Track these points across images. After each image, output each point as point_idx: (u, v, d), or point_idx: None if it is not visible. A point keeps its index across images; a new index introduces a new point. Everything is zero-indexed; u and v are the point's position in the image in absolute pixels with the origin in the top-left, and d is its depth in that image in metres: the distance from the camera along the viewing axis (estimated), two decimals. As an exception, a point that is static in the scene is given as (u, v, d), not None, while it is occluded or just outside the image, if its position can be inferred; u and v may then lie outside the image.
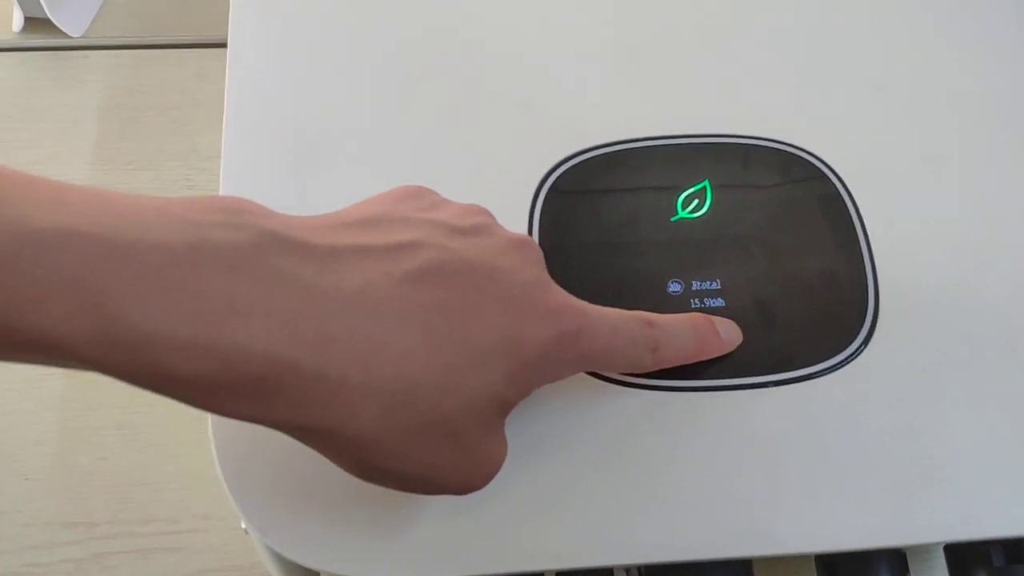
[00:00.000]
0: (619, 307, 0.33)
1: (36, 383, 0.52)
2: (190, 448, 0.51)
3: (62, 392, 0.52)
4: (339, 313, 0.24)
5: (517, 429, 0.33)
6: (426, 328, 0.25)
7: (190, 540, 0.49)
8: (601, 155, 0.39)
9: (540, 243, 0.37)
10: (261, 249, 0.24)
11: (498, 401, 0.27)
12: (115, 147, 0.62)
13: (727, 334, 0.35)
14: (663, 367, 0.33)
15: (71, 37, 0.64)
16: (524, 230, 0.37)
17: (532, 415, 0.33)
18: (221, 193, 0.38)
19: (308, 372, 0.24)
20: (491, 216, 0.32)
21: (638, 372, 0.33)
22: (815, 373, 0.35)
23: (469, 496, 0.30)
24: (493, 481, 0.30)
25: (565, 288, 0.35)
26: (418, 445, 0.26)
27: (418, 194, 0.31)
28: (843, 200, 0.39)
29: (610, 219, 0.38)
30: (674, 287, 0.37)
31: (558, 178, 0.38)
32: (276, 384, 0.23)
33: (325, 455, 0.26)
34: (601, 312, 0.30)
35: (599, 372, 0.34)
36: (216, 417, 0.32)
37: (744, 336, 0.35)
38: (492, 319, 0.27)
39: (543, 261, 0.31)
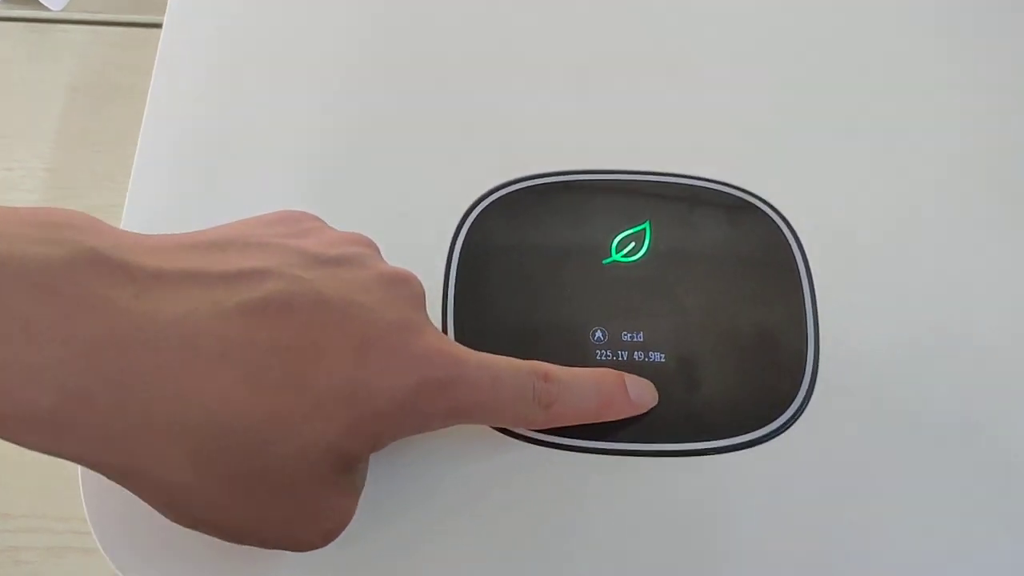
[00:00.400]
0: (535, 353, 0.31)
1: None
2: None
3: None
4: (150, 344, 0.22)
5: (393, 474, 0.31)
6: (253, 367, 0.23)
7: (105, 543, 0.47)
8: (534, 186, 0.36)
9: (458, 280, 0.35)
10: (73, 268, 0.22)
11: (336, 453, 0.24)
12: (82, 127, 0.60)
13: (639, 395, 0.32)
14: (558, 425, 0.30)
15: (50, 10, 0.63)
16: (442, 264, 0.35)
17: (413, 463, 0.31)
18: (127, 203, 0.36)
19: (104, 407, 0.21)
20: (372, 247, 0.29)
21: (530, 427, 0.31)
22: (735, 446, 0.32)
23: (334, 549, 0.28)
24: (361, 529, 0.28)
25: (479, 330, 0.33)
26: (238, 496, 0.23)
27: (294, 219, 0.28)
28: (793, 256, 0.36)
29: (537, 258, 0.35)
30: (598, 335, 0.34)
31: (484, 209, 0.36)
32: (69, 417, 0.21)
33: (139, 497, 0.24)
34: (483, 361, 0.28)
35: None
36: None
37: (663, 396, 0.33)
38: (337, 362, 0.24)
39: (421, 301, 0.28)
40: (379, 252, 0.29)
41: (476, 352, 0.28)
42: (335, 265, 0.26)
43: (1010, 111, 0.39)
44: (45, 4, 0.62)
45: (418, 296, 0.28)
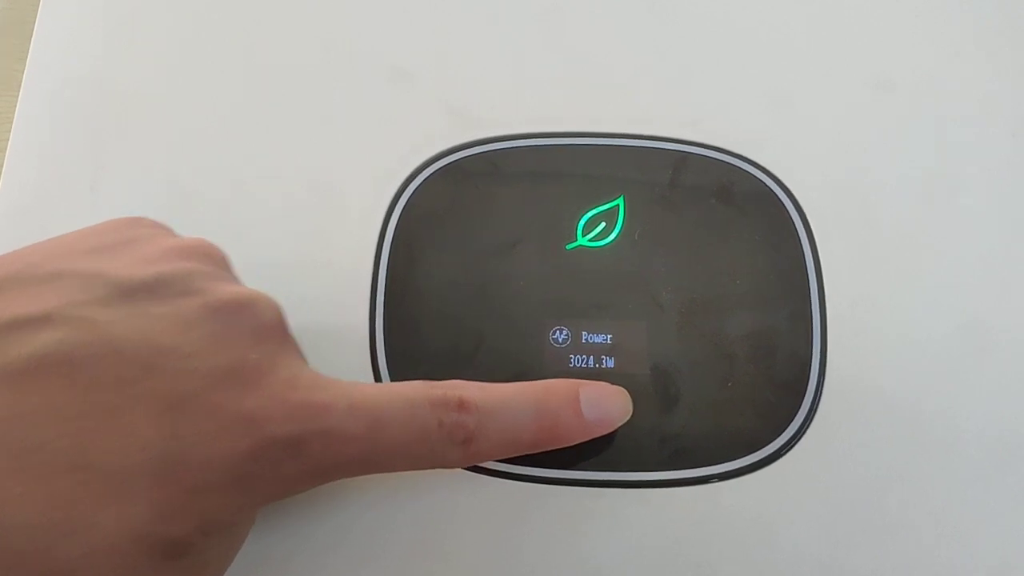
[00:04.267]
0: (480, 359, 0.27)
1: None
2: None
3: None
4: None
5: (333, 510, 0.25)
6: (25, 448, 0.18)
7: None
8: (484, 153, 0.30)
9: (390, 268, 0.29)
10: None
11: (150, 542, 0.19)
12: (12, 69, 0.54)
13: (599, 413, 0.26)
14: (484, 461, 0.25)
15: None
16: (371, 248, 0.29)
17: (353, 499, 0.26)
18: (6, 163, 0.30)
19: None
20: (209, 259, 0.23)
21: (447, 467, 0.24)
22: (721, 475, 0.27)
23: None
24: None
25: (412, 331, 0.27)
26: None
27: (117, 228, 0.23)
28: (798, 239, 0.29)
29: (486, 241, 0.29)
30: (558, 335, 0.28)
31: (424, 181, 0.30)
32: None
33: None
34: (360, 403, 0.22)
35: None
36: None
37: (633, 417, 0.27)
38: (137, 431, 0.19)
39: (271, 330, 0.22)
40: (222, 265, 0.23)
41: (355, 387, 0.22)
42: (145, 295, 0.20)
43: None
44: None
45: (265, 326, 0.22)
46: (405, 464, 0.23)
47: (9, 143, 0.32)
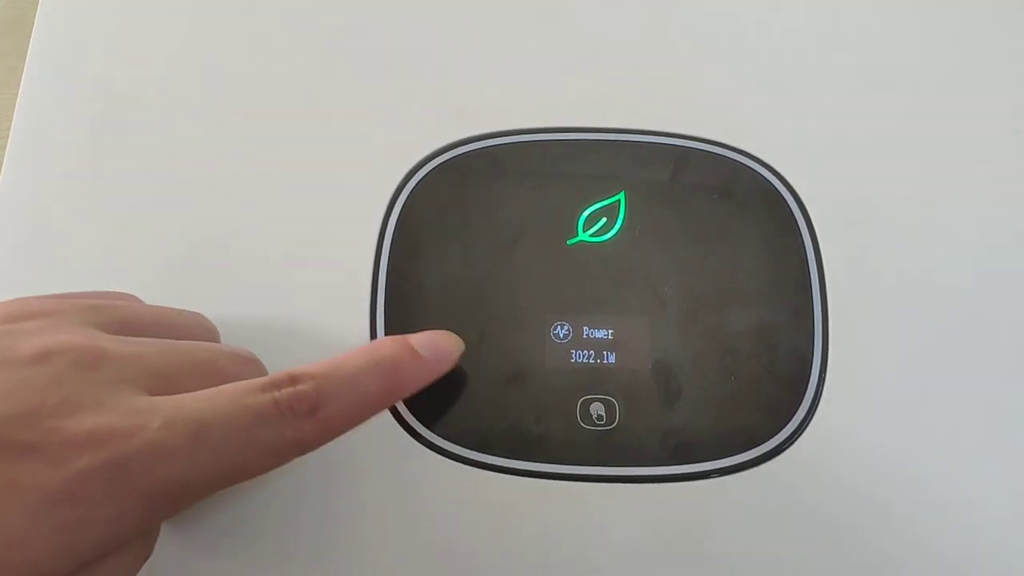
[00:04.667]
0: (483, 353, 0.27)
1: None
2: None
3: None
4: None
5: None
6: None
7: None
8: (485, 148, 0.30)
9: (391, 263, 0.29)
10: None
11: None
12: (11, 66, 0.53)
13: (433, 350, 0.26)
14: (343, 429, 0.23)
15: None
16: (372, 244, 0.29)
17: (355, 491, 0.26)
18: (7, 154, 0.30)
19: None
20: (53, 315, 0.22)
21: (304, 449, 0.23)
22: (722, 469, 0.27)
23: None
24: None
25: (413, 327, 0.27)
26: None
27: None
28: (800, 235, 0.29)
29: (487, 237, 0.29)
30: (559, 331, 0.28)
31: (425, 176, 0.30)
32: None
33: None
34: (178, 414, 0.21)
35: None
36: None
37: (633, 411, 0.27)
38: None
39: (77, 368, 0.21)
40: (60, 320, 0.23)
41: (173, 401, 0.21)
42: None
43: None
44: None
45: (69, 368, 0.21)
46: (257, 457, 0.22)
47: (9, 140, 0.32)
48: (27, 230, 0.29)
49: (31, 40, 0.33)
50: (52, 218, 0.30)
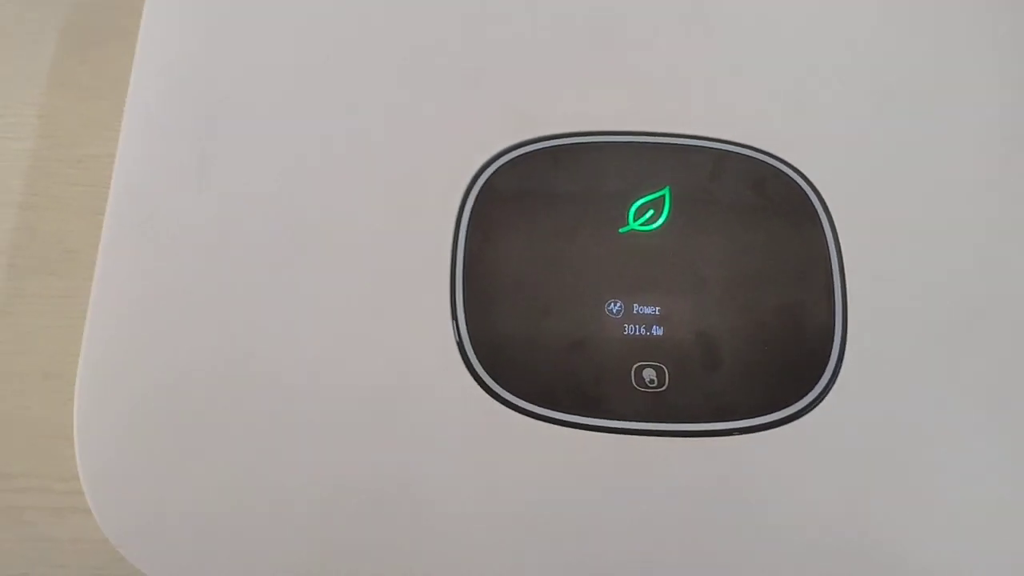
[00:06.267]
0: (547, 324, 0.30)
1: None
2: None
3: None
4: None
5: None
6: None
7: (106, 504, 0.46)
8: (548, 148, 0.34)
9: (467, 247, 0.33)
10: None
11: None
12: (74, 71, 0.57)
13: None
14: None
15: (38, -54, 0.59)
16: (450, 230, 0.33)
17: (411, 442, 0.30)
18: (119, 154, 0.34)
19: None
20: None
21: None
22: (757, 427, 0.31)
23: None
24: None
25: (489, 301, 0.31)
26: None
27: None
28: (821, 226, 0.34)
29: (550, 225, 0.33)
30: (613, 307, 0.32)
31: (495, 172, 0.34)
32: None
33: None
34: None
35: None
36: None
37: (680, 376, 0.31)
38: None
39: None
40: None
41: None
42: None
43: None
44: (32, -61, 0.59)
45: None
46: None
47: (118, 149, 0.35)
48: (136, 235, 0.33)
49: (136, 49, 0.37)
50: (163, 209, 0.33)
